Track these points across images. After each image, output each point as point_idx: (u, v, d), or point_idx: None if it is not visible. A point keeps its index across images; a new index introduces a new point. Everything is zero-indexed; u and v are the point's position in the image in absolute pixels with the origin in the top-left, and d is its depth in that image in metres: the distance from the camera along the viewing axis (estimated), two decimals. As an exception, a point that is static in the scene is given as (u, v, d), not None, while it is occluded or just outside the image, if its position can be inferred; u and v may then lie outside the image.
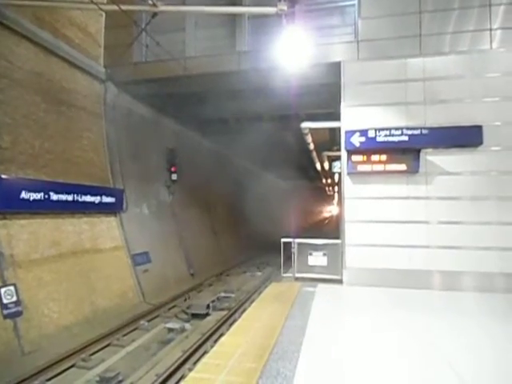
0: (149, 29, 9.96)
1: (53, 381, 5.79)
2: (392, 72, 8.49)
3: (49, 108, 8.80)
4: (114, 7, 6.71)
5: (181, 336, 7.64)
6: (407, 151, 8.31)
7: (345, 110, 8.78)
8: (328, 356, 4.49)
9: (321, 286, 8.37)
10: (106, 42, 11.05)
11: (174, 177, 14.33)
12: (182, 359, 6.12)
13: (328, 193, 40.11)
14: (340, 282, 8.63)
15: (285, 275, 9.64)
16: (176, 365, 5.90)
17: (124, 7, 6.85)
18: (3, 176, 7.26)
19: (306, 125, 11.41)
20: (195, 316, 9.12)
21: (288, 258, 9.60)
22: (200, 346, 6.81)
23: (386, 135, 8.36)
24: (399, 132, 8.30)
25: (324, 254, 9.23)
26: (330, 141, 15.79)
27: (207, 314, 9.21)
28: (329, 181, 27.71)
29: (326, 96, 11.32)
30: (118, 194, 10.72)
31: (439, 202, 8.15)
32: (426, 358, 4.40)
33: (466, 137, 7.98)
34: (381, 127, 8.37)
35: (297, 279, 9.19)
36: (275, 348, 4.75)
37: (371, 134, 8.43)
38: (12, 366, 6.02)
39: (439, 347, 4.74)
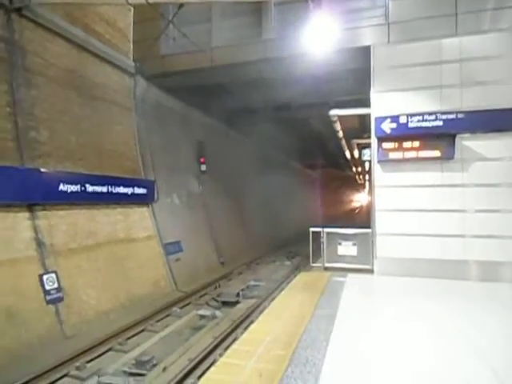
0: (175, 21, 10.07)
1: (92, 363, 6.11)
2: (425, 54, 8.11)
3: (82, 103, 9.12)
4: (142, 1, 6.79)
5: (212, 323, 7.82)
6: (441, 137, 7.98)
7: (375, 95, 8.52)
8: (357, 345, 4.46)
9: (351, 275, 8.28)
10: (134, 36, 11.24)
11: (203, 168, 14.53)
12: (212, 345, 6.28)
13: (359, 181, 39.37)
14: (371, 271, 8.51)
15: (314, 265, 9.62)
16: (207, 350, 6.06)
17: (151, 0, 6.93)
18: (42, 169, 7.64)
19: (334, 112, 11.23)
20: (225, 304, 9.30)
21: (317, 248, 9.55)
22: (230, 332, 6.95)
23: (418, 121, 8.06)
24: (433, 117, 7.97)
25: (354, 244, 9.11)
26: (359, 128, 15.44)
27: (237, 302, 9.35)
28: (359, 169, 27.19)
29: (355, 82, 11.03)
30: (150, 185, 11.01)
31: (477, 189, 7.78)
32: (457, 351, 4.26)
33: (506, 120, 7.55)
34: (413, 112, 8.07)
35: (326, 269, 9.14)
36: (304, 336, 4.77)
37: (403, 119, 8.15)
38: (55, 349, 6.40)
39: (472, 340, 4.56)
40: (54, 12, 8.37)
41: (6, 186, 6.76)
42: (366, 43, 8.72)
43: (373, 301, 6.58)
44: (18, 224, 6.98)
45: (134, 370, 5.73)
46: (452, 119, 7.83)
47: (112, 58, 10.26)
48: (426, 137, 8.07)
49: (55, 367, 5.69)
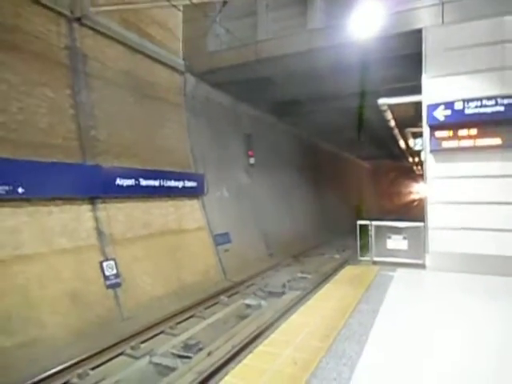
0: (222, 17, 10.30)
1: (146, 344, 6.62)
2: (484, 34, 7.47)
3: (136, 102, 9.73)
4: (186, 2, 7.05)
5: (257, 312, 8.03)
6: (503, 123, 7.33)
7: (427, 81, 8.04)
8: (397, 342, 4.34)
9: (400, 270, 7.98)
10: (183, 34, 11.67)
11: (252, 161, 14.77)
12: (255, 333, 6.47)
13: (417, 172, 37.33)
14: (422, 266, 8.14)
15: (362, 259, 9.41)
16: (250, 338, 6.27)
17: (195, 0, 7.18)
18: (102, 165, 8.31)
19: (383, 101, 10.77)
20: (272, 294, 9.47)
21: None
22: (273, 322, 7.09)
23: (476, 106, 7.48)
24: (493, 102, 7.34)
25: (404, 238, 8.75)
26: (415, 116, 14.62)
27: (283, 293, 9.47)
28: (416, 159, 25.77)
29: (406, 68, 10.47)
30: (200, 179, 11.47)
31: (544, 180, 7.09)
32: (506, 357, 3.94)
33: None
34: (470, 98, 7.49)
35: (374, 263, 8.90)
36: (343, 329, 4.74)
37: (458, 106, 7.61)
38: (114, 329, 7.04)
39: None
40: (110, 18, 8.99)
41: (71, 181, 7.48)
42: (418, 26, 8.24)
43: (420, 297, 6.31)
44: (81, 215, 7.71)
45: (182, 353, 6.12)
46: (515, 103, 7.17)
47: (163, 57, 10.79)
48: (485, 124, 7.46)
49: (113, 345, 6.26)
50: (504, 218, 7.28)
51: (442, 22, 7.97)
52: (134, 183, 8.91)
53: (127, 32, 9.52)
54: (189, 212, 10.95)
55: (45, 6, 7.53)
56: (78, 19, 8.20)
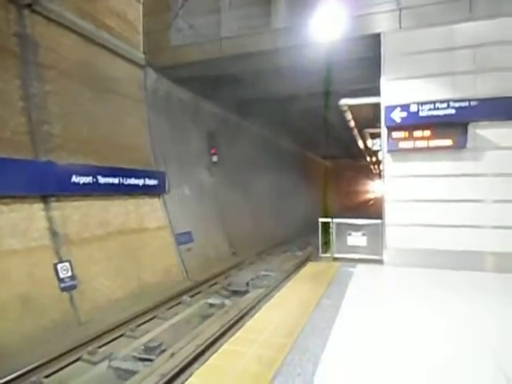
0: (186, 12, 10.09)
1: (104, 348, 6.35)
2: (437, 40, 7.89)
3: (94, 96, 9.29)
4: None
5: (220, 311, 7.97)
6: (453, 125, 7.79)
7: (385, 83, 8.36)
8: (359, 336, 4.48)
9: (360, 266, 8.26)
10: (144, 28, 11.29)
11: (215, 159, 14.62)
12: (219, 333, 6.42)
13: (374, 171, 38.85)
14: (380, 262, 8.46)
15: (323, 255, 9.62)
16: (213, 338, 6.21)
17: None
18: (55, 162, 7.84)
19: (344, 101, 11.07)
20: (235, 293, 9.44)
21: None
22: (237, 321, 7.08)
23: (429, 109, 7.88)
24: (445, 105, 7.78)
25: (363, 234, 9.06)
26: (374, 117, 15.16)
27: (247, 291, 9.48)
28: (373, 159, 26.80)
29: (366, 70, 10.82)
30: (161, 177, 11.19)
31: (492, 179, 7.59)
32: (465, 347, 4.15)
33: (521, 108, 7.31)
34: (424, 101, 7.89)
35: (335, 259, 9.14)
36: (307, 325, 4.82)
37: (413, 108, 7.99)
38: (70, 334, 6.69)
39: (483, 336, 4.42)
40: (64, 7, 8.50)
41: (21, 178, 7.00)
42: (377, 30, 8.54)
43: (380, 291, 6.56)
44: (33, 214, 7.24)
45: (144, 356, 5.93)
46: (465, 107, 7.63)
47: (123, 50, 10.39)
48: (438, 125, 7.89)
49: (69, 351, 5.95)
50: (456, 214, 7.74)
51: (400, 27, 8.31)
52: (91, 181, 8.51)
53: (83, 22, 9.05)
54: (149, 211, 10.65)
55: (-8, -10, 6.99)
56: (29, 5, 7.68)
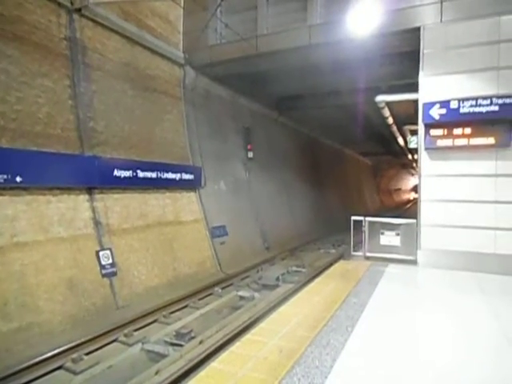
0: (223, 11, 10.31)
1: (139, 331, 6.77)
2: (481, 33, 7.52)
3: (135, 94, 9.79)
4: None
5: (250, 304, 8.17)
6: (497, 123, 7.41)
7: (423, 79, 8.10)
8: (381, 336, 4.45)
9: (392, 266, 8.12)
10: (183, 27, 11.68)
11: (250, 154, 14.85)
12: (246, 323, 6.62)
13: (417, 169, 37.36)
14: (414, 263, 8.26)
15: (355, 254, 9.53)
16: (241, 328, 6.42)
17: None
18: (100, 156, 8.40)
19: (381, 98, 10.85)
20: (265, 286, 9.61)
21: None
22: (265, 313, 7.22)
23: (471, 106, 7.55)
24: (488, 101, 7.41)
25: (397, 234, 8.87)
26: (415, 114, 14.68)
27: (277, 286, 9.62)
28: (415, 156, 25.83)
29: (406, 66, 10.51)
30: (197, 171, 11.57)
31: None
32: (496, 355, 3.97)
33: None
34: (465, 97, 7.56)
35: (367, 258, 9.03)
36: (330, 321, 4.87)
37: (453, 105, 7.68)
38: (109, 317, 7.20)
39: (505, 337, 4.28)
40: (110, 10, 9.02)
41: (69, 171, 7.58)
42: (417, 24, 8.27)
43: (409, 292, 6.42)
44: (78, 205, 7.82)
45: (174, 341, 6.26)
46: (510, 104, 7.23)
47: (163, 50, 10.82)
48: (480, 123, 7.55)
49: (107, 332, 6.42)
50: (496, 216, 7.38)
51: (441, 20, 8.00)
52: (131, 175, 9.00)
53: (127, 24, 9.55)
54: (186, 204, 11.06)
55: (45, -3, 7.58)
56: (78, 10, 8.24)
